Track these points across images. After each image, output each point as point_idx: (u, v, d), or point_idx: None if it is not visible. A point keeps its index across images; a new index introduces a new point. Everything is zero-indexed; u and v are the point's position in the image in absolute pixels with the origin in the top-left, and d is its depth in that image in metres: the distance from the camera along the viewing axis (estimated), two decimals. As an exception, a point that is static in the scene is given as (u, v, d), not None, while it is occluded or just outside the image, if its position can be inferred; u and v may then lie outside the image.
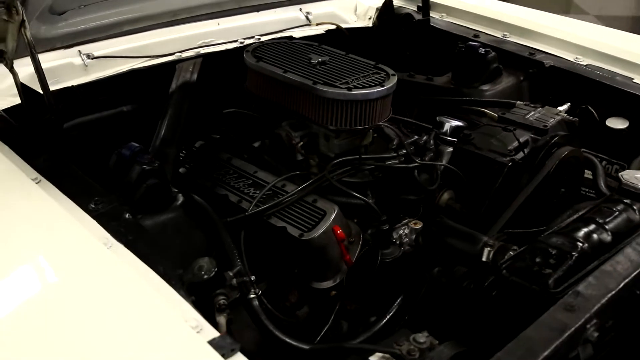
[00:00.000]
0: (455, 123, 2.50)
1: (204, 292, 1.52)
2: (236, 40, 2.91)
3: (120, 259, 1.44)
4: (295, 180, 2.23)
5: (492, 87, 2.80)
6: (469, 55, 2.83)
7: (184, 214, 1.93)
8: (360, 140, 2.36)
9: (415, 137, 2.37)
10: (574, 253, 1.52)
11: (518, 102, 2.56)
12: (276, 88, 2.36)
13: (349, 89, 2.19)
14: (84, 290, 1.37)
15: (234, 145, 2.50)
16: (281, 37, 2.97)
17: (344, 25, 3.30)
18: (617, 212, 1.70)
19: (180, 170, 2.46)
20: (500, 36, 3.07)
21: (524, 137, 2.22)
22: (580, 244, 1.55)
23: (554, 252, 1.52)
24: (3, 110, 2.21)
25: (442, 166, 2.20)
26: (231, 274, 1.62)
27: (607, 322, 1.38)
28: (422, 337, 1.50)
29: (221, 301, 1.51)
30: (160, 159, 2.18)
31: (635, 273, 1.45)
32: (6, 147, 1.89)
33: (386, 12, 3.24)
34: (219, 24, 2.95)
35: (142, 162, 1.85)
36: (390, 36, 3.22)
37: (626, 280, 1.42)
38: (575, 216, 1.72)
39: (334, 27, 3.27)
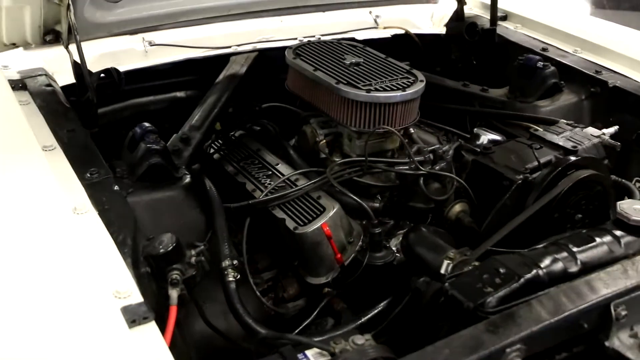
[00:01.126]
0: (491, 136, 2.41)
1: (160, 265, 1.62)
2: (295, 39, 2.98)
3: (83, 224, 1.56)
4: (310, 176, 2.27)
5: (548, 103, 2.67)
6: (526, 68, 2.72)
7: (185, 194, 2.03)
8: (384, 143, 2.35)
9: (437, 145, 2.32)
10: (523, 276, 1.44)
11: (561, 120, 2.43)
12: (306, 85, 2.42)
13: (369, 90, 2.20)
14: (26, 245, 1.48)
15: (268, 138, 2.58)
16: (342, 38, 3.02)
17: (414, 31, 3.28)
18: (598, 243, 1.58)
19: (215, 155, 2.59)
20: (571, 51, 2.90)
21: (548, 156, 2.11)
22: (536, 269, 1.47)
23: (502, 272, 1.46)
24: (65, 85, 2.44)
25: (456, 178, 2.14)
26: (193, 252, 1.70)
27: (539, 349, 1.31)
28: (361, 339, 1.49)
29: (174, 276, 1.60)
30: (183, 142, 2.33)
31: (583, 306, 1.36)
32: (41, 117, 2.10)
33: (456, 19, 3.18)
34: (281, 21, 3.05)
35: (148, 141, 1.99)
36: (456, 44, 3.15)
37: (569, 312, 1.34)
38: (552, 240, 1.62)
39: (402, 31, 3.25)
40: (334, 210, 2.10)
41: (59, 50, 2.36)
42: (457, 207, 2.16)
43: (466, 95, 2.88)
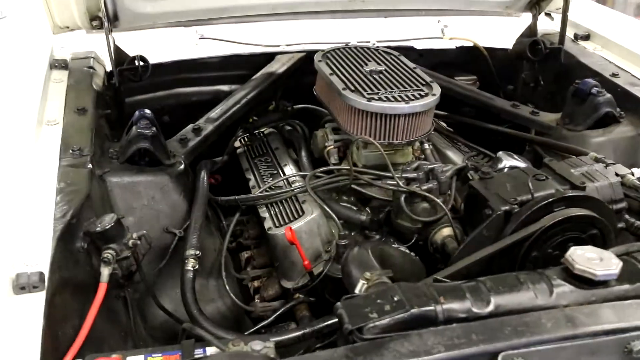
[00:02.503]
0: (513, 162, 2.23)
1: (96, 243, 1.69)
2: (348, 42, 2.95)
3: (37, 195, 1.69)
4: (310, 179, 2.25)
5: (599, 134, 2.41)
6: (579, 93, 2.48)
7: (171, 181, 2.09)
8: (393, 155, 2.27)
9: (438, 164, 2.18)
10: (413, 308, 1.33)
11: (591, 152, 2.19)
12: (324, 89, 2.40)
13: (370, 99, 2.13)
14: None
15: (293, 138, 2.59)
16: (398, 47, 2.94)
17: (486, 44, 3.11)
18: (524, 288, 1.41)
19: (238, 150, 2.65)
20: (646, 78, 2.60)
21: (549, 190, 1.90)
22: (434, 304, 1.34)
23: (395, 300, 1.35)
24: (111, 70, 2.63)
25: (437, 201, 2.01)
26: (135, 236, 1.75)
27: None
28: (259, 345, 1.47)
29: (106, 254, 1.66)
30: (194, 132, 2.41)
31: (456, 352, 1.23)
32: (63, 95, 2.28)
33: (528, 35, 2.96)
34: (340, 24, 3.02)
35: (139, 126, 2.08)
36: (521, 62, 2.94)
37: (435, 356, 1.22)
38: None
39: (470, 44, 3.10)
40: (311, 216, 2.07)
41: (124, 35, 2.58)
42: (445, 232, 2.03)
43: (512, 116, 2.68)
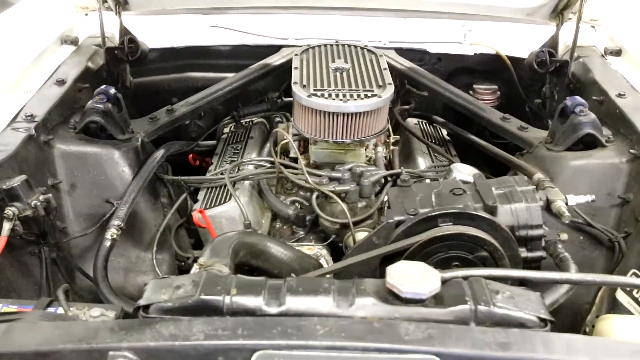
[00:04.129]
0: (463, 176, 2.12)
1: (2, 200, 1.86)
2: (359, 41, 2.92)
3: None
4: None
5: (578, 157, 2.21)
6: (564, 111, 2.28)
7: (119, 154, 2.21)
8: (343, 155, 2.25)
9: (369, 168, 2.12)
10: (193, 296, 1.34)
11: (537, 173, 2.02)
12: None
13: (311, 95, 2.12)
14: None
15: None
16: (411, 49, 2.88)
17: (512, 54, 2.93)
18: (324, 293, 1.36)
19: (223, 136, 2.74)
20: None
21: (458, 205, 1.80)
22: (223, 295, 1.34)
23: (191, 285, 1.37)
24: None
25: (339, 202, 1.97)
26: (41, 198, 1.89)
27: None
28: (97, 311, 1.56)
29: (8, 211, 1.81)
30: (167, 113, 2.53)
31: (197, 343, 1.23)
32: (52, 69, 2.49)
33: (550, 45, 2.75)
34: (356, 21, 3.00)
35: (94, 101, 2.24)
36: (532, 74, 2.75)
37: (188, 343, 1.24)
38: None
39: (491, 51, 2.94)
40: (232, 205, 2.11)
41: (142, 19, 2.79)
42: (359, 236, 1.98)
43: (498, 129, 2.52)
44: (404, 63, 2.77)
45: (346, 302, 1.36)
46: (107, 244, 2.03)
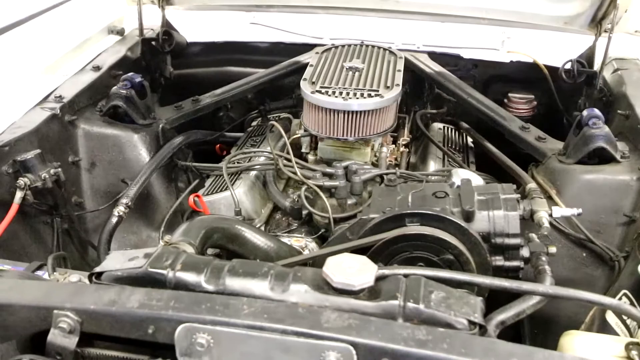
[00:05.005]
0: (462, 179, 2.11)
1: (17, 170, 2.02)
2: (392, 44, 2.95)
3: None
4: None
5: (587, 171, 2.14)
6: (579, 123, 2.22)
7: (138, 137, 2.36)
8: (348, 152, 2.29)
9: (364, 167, 2.15)
10: (141, 268, 1.43)
11: (531, 184, 1.98)
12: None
13: (315, 92, 2.18)
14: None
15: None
16: (445, 53, 2.88)
17: (545, 62, 2.86)
18: (262, 277, 1.40)
19: (249, 128, 2.84)
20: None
21: (436, 207, 1.80)
22: (168, 270, 1.42)
23: (143, 257, 1.47)
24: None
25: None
26: (52, 172, 2.04)
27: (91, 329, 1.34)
28: (75, 277, 1.69)
29: (20, 181, 1.97)
30: (193, 103, 2.66)
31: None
32: (95, 54, 2.68)
33: (586, 57, 2.66)
34: (393, 24, 3.02)
35: (119, 86, 2.39)
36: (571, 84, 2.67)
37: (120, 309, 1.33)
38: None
39: (528, 59, 2.88)
40: (228, 192, 2.19)
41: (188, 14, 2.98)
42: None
43: (515, 139, 2.46)
44: (433, 67, 2.76)
45: (280, 287, 1.40)
46: (114, 220, 2.17)
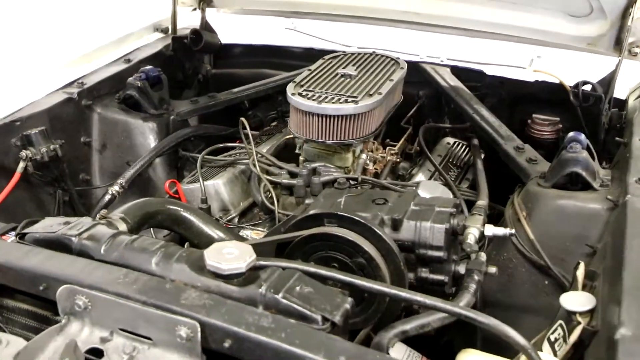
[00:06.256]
0: (425, 193, 2.10)
1: (24, 143, 2.28)
2: (417, 55, 2.97)
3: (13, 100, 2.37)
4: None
5: (558, 196, 2.05)
6: (563, 147, 2.14)
7: (146, 125, 2.57)
8: (330, 156, 2.35)
9: (329, 169, 2.20)
10: (61, 235, 1.59)
11: (481, 201, 1.94)
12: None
13: (295, 94, 2.26)
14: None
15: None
16: (468, 68, 2.85)
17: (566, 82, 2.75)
18: (153, 252, 1.51)
19: (266, 128, 2.97)
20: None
21: (371, 212, 1.83)
22: (77, 238, 1.59)
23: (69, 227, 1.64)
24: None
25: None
26: (51, 148, 2.27)
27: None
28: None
29: (23, 153, 2.22)
30: (208, 98, 2.84)
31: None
32: (129, 49, 2.94)
33: (608, 79, 2.53)
34: (421, 36, 3.03)
35: (134, 77, 2.61)
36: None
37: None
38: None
39: (554, 80, 2.78)
40: (208, 182, 2.33)
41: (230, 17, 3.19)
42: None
43: (507, 159, 2.39)
44: (449, 81, 2.75)
45: (165, 264, 1.51)
46: (106, 197, 2.38)
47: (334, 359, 1.22)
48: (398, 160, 2.49)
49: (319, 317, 1.36)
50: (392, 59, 2.61)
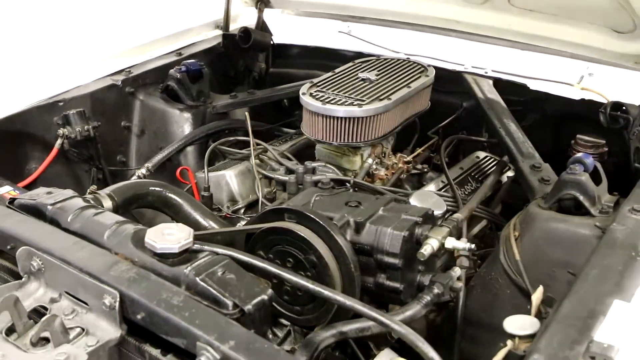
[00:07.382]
0: (416, 203, 2.08)
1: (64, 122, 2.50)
2: (462, 65, 2.91)
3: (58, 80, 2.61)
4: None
5: (551, 218, 1.94)
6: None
7: (180, 115, 2.72)
8: (339, 158, 2.38)
9: (325, 170, 2.22)
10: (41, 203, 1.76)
11: (457, 215, 1.88)
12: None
13: (304, 94, 2.31)
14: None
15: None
16: (513, 81, 2.77)
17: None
18: (110, 234, 1.63)
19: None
20: None
21: (340, 212, 1.85)
22: (50, 207, 1.74)
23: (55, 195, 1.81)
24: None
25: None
26: (85, 128, 2.46)
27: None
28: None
29: (60, 130, 2.39)
30: (247, 94, 2.95)
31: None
32: (186, 43, 3.12)
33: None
34: (468, 46, 2.96)
35: (175, 69, 2.77)
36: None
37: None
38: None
39: (602, 99, 2.62)
40: (217, 173, 2.44)
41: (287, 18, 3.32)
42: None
43: (522, 178, 2.29)
44: (487, 93, 2.68)
45: (114, 239, 1.63)
46: (133, 179, 2.55)
47: (224, 342, 1.28)
48: (411, 168, 2.46)
49: (230, 303, 1.42)
50: (421, 65, 2.59)
